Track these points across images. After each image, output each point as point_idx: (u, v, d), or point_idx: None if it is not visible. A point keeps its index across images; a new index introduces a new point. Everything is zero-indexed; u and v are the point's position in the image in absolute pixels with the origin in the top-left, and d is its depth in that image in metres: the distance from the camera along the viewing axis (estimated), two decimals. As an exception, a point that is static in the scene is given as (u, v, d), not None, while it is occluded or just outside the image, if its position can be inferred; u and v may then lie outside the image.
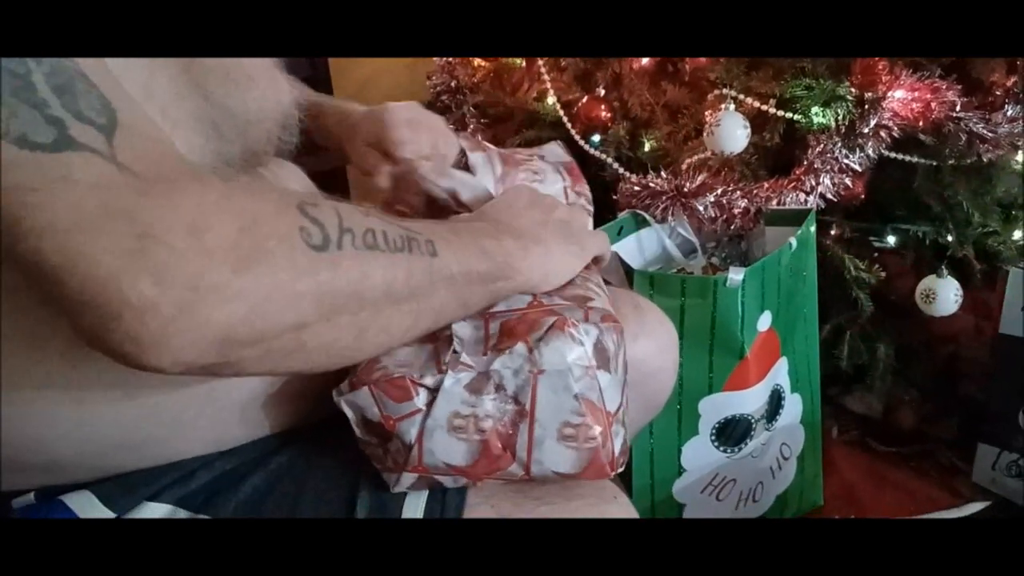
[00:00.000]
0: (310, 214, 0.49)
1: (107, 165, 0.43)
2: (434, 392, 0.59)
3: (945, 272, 1.19)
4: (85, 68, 0.46)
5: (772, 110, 1.18)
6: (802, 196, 1.13)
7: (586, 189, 0.82)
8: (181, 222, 0.43)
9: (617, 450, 0.62)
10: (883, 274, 1.24)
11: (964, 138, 1.13)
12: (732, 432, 1.09)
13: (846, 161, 1.12)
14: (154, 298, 0.42)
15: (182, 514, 0.62)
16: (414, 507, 0.61)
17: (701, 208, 1.12)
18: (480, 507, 0.61)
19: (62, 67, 0.44)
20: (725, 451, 1.10)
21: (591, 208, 0.81)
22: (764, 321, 1.05)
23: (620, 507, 0.63)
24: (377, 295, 0.52)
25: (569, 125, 1.33)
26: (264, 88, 0.66)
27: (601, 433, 0.60)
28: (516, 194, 0.72)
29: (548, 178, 0.80)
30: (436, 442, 0.60)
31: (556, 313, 0.62)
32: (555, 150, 0.85)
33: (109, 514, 0.61)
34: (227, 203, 0.46)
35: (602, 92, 1.34)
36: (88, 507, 0.61)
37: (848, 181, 1.14)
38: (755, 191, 1.14)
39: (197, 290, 0.43)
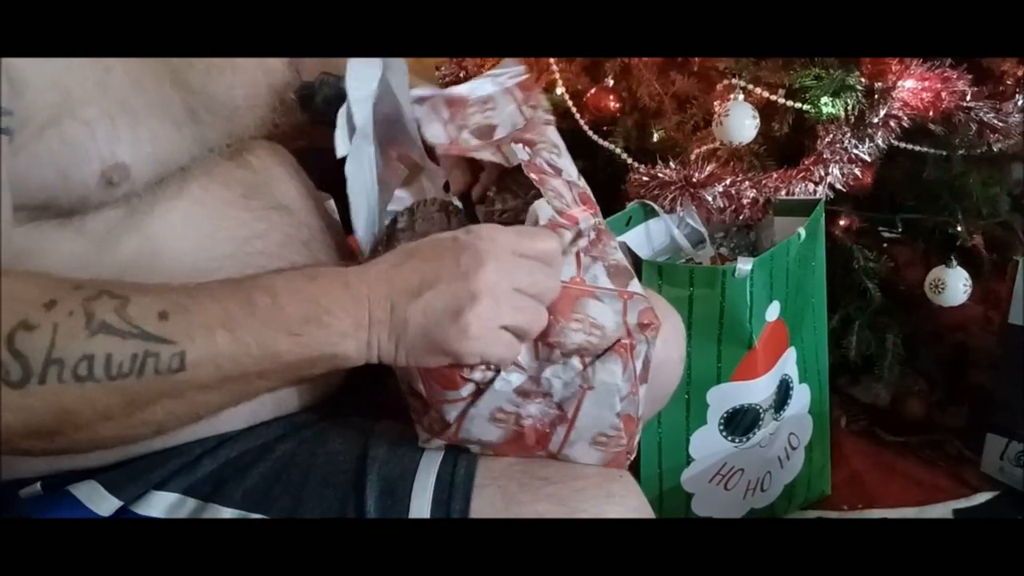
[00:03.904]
0: (16, 346, 0.47)
1: None
2: (480, 385, 0.60)
3: (954, 262, 1.18)
4: None
5: (781, 100, 1.17)
6: (811, 186, 1.13)
7: (541, 99, 0.77)
8: None
9: (635, 443, 0.65)
10: (892, 264, 1.23)
11: (974, 128, 1.13)
12: (740, 422, 1.10)
13: (855, 151, 1.12)
14: None
15: (190, 502, 0.62)
16: (423, 489, 0.61)
17: (710, 198, 1.12)
18: (488, 488, 0.61)
19: None
20: (733, 441, 1.11)
21: (551, 117, 0.76)
22: (772, 311, 1.05)
23: (625, 486, 0.63)
24: (86, 421, 0.50)
25: (578, 115, 1.33)
26: (253, 73, 0.66)
27: (629, 439, 0.63)
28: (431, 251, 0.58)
29: (498, 104, 0.74)
30: (474, 424, 0.61)
31: (597, 298, 0.62)
32: (513, 67, 0.80)
33: (116, 503, 0.62)
34: None
35: (611, 82, 1.34)
36: (95, 496, 0.62)
37: (857, 171, 1.14)
38: (764, 181, 1.14)
39: None
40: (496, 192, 0.77)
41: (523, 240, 0.59)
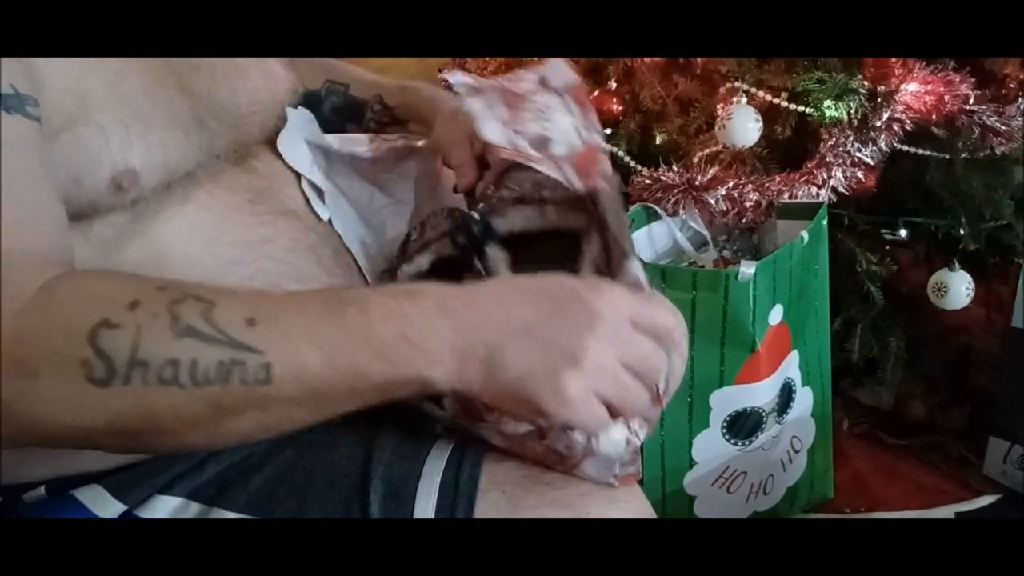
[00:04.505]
0: (99, 344, 0.46)
1: None
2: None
3: (957, 265, 1.18)
4: None
5: (784, 103, 1.17)
6: (814, 189, 1.13)
7: (595, 119, 0.73)
8: None
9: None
10: (894, 267, 1.23)
11: (977, 131, 1.13)
12: (743, 425, 1.10)
13: (858, 154, 1.12)
14: None
15: (194, 506, 0.62)
16: (427, 492, 0.61)
17: (712, 201, 1.12)
18: (492, 492, 0.61)
19: None
20: (736, 444, 1.11)
21: (604, 144, 0.74)
22: (775, 314, 1.05)
23: (629, 490, 0.64)
24: (172, 427, 0.49)
25: (581, 118, 1.33)
26: (256, 80, 0.67)
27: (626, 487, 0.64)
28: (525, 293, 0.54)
29: (555, 116, 0.70)
30: (483, 430, 0.62)
31: None
32: (559, 68, 0.74)
33: (120, 507, 0.62)
34: (13, 322, 0.46)
35: (614, 85, 1.34)
36: (99, 501, 0.62)
37: (860, 174, 1.14)
38: (767, 184, 1.14)
39: None
40: (497, 189, 0.77)
41: (643, 310, 0.55)
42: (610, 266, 0.65)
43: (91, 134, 0.55)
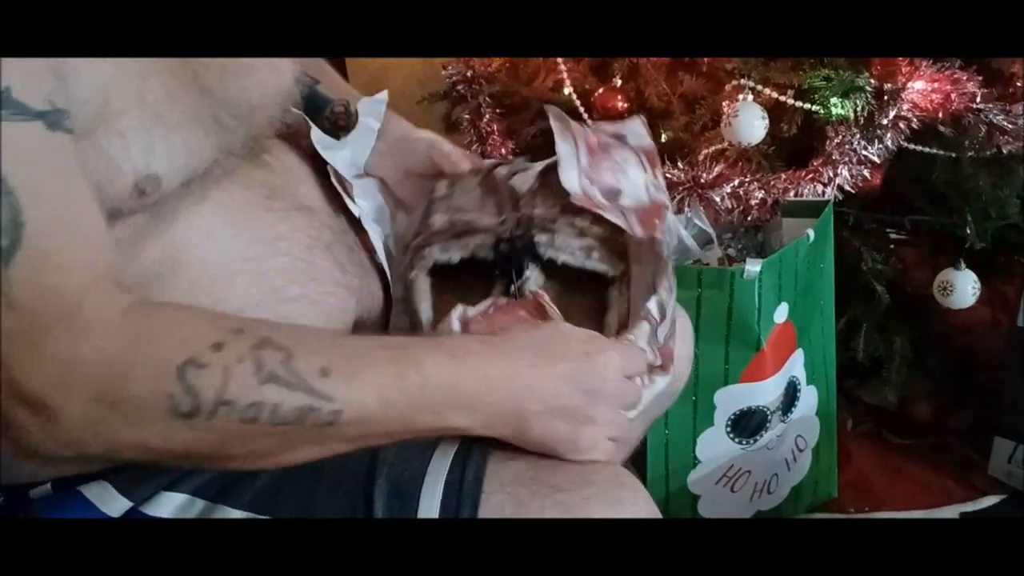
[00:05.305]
0: (188, 380, 0.50)
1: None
2: None
3: (963, 264, 1.18)
4: (5, 166, 0.47)
5: (790, 101, 1.17)
6: (820, 187, 1.13)
7: (661, 176, 0.79)
8: (42, 377, 0.48)
9: None
10: (900, 266, 1.23)
11: (984, 129, 1.13)
12: (748, 423, 1.09)
13: (864, 152, 1.12)
14: (21, 437, 0.50)
15: (199, 503, 0.62)
16: (432, 493, 0.61)
17: (718, 199, 1.12)
18: (496, 494, 0.61)
19: None
20: (740, 442, 1.11)
21: (667, 200, 0.78)
22: (781, 313, 1.05)
23: (634, 492, 0.63)
24: (241, 455, 0.54)
25: (585, 115, 1.33)
26: (264, 73, 0.67)
27: None
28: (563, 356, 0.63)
29: (630, 171, 0.75)
30: None
31: None
32: (637, 129, 0.80)
33: (126, 503, 0.62)
34: (96, 356, 0.49)
35: (619, 82, 1.34)
36: (105, 497, 0.62)
37: (866, 172, 1.14)
38: (772, 182, 1.14)
39: (48, 437, 0.50)
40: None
41: (630, 363, 0.66)
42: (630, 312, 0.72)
43: (112, 142, 0.55)
